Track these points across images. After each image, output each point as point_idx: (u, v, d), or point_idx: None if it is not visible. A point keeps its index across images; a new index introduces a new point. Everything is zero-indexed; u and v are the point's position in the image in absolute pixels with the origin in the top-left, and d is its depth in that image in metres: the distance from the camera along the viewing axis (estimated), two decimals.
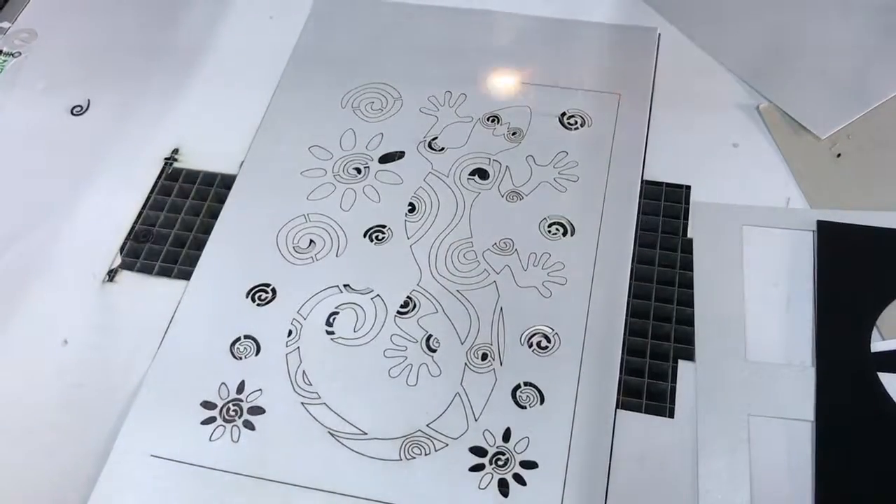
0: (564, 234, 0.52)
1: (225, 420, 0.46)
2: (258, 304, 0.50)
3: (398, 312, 0.49)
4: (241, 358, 0.48)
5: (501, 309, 0.49)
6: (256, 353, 0.48)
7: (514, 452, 0.45)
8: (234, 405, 0.46)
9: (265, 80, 0.60)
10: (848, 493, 0.43)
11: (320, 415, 0.46)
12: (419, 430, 0.46)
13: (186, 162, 0.57)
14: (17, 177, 0.57)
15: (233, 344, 0.49)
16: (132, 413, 0.46)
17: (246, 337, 0.49)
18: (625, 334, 0.48)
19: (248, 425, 0.46)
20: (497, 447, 0.45)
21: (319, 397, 0.47)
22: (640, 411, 0.46)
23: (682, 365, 0.47)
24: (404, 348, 0.48)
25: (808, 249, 0.51)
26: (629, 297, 0.50)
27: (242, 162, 0.56)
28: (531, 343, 0.48)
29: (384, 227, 0.53)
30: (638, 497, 0.44)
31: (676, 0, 0.62)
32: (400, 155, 0.55)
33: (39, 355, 0.49)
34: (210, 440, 0.45)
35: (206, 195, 0.55)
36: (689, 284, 0.50)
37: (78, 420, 0.47)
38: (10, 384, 0.48)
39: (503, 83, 0.59)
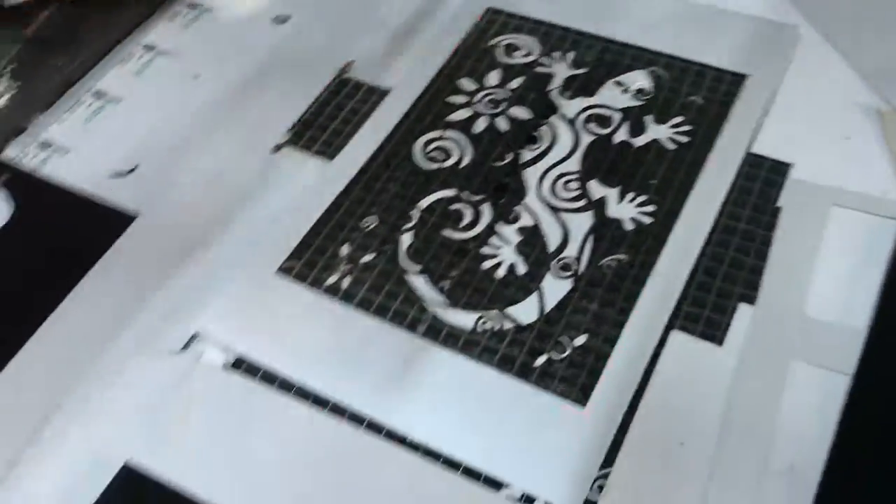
0: (662, 183, 0.58)
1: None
2: None
3: (503, 220, 0.57)
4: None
5: (591, 233, 0.56)
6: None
7: (571, 344, 0.51)
8: None
9: None
10: (868, 445, 0.46)
11: (418, 284, 0.55)
12: (495, 310, 0.53)
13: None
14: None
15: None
16: None
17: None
18: (696, 270, 0.53)
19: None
20: (557, 338, 0.51)
21: (421, 272, 0.55)
22: (693, 334, 0.51)
23: (743, 307, 0.52)
24: (500, 247, 0.56)
25: (891, 237, 0.54)
26: (709, 240, 0.55)
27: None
28: (610, 265, 0.54)
29: (506, 152, 0.60)
30: (668, 406, 0.49)
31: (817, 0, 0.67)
32: (537, 98, 0.63)
33: None
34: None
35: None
36: (767, 244, 0.55)
37: None
38: None
39: (639, 51, 0.65)
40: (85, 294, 0.55)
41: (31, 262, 0.58)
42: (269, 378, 0.51)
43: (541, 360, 0.51)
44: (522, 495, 0.46)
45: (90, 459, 0.48)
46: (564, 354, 0.51)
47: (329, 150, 0.62)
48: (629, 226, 0.56)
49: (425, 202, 0.58)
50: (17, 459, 0.48)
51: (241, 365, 0.52)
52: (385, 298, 0.54)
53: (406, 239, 0.57)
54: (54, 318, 0.54)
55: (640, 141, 0.60)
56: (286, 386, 0.51)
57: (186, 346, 0.53)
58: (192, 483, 0.47)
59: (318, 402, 0.50)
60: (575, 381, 0.50)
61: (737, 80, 0.63)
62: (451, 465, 0.47)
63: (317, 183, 0.60)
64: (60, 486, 0.48)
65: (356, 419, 0.49)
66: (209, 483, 0.47)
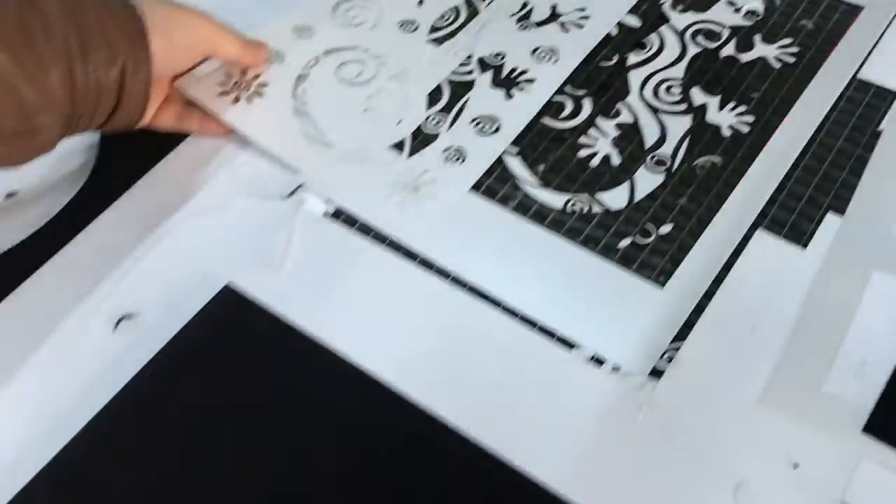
0: (763, 97, 0.59)
1: None
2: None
3: (603, 114, 0.59)
4: None
5: (688, 134, 0.57)
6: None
7: (657, 232, 0.53)
8: None
9: None
10: None
11: (513, 165, 0.57)
12: (586, 194, 0.55)
13: None
14: None
15: None
16: None
17: None
18: (788, 179, 0.54)
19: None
20: (643, 225, 0.53)
21: (518, 154, 0.57)
22: (778, 236, 0.52)
23: (831, 217, 0.53)
24: (597, 139, 0.58)
25: None
26: (804, 153, 0.56)
27: None
28: (703, 166, 0.56)
29: (613, 54, 0.62)
30: (744, 296, 0.50)
31: None
32: (648, 9, 0.65)
33: None
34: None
35: None
36: (863, 163, 0.55)
37: None
38: None
39: None
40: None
41: None
42: (365, 230, 0.54)
43: (625, 243, 0.53)
44: (593, 356, 0.48)
45: (195, 276, 0.52)
46: (648, 240, 0.53)
47: None
48: (726, 132, 0.57)
49: None
50: (130, 268, 0.53)
51: (339, 215, 0.55)
52: (482, 175, 0.57)
53: None
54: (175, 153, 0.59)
55: (746, 57, 0.61)
56: (380, 238, 0.54)
57: (292, 193, 0.56)
58: (286, 310, 0.51)
59: (409, 255, 0.53)
60: (656, 265, 0.52)
61: (850, 10, 0.63)
62: (530, 323, 0.50)
63: None
64: (167, 297, 0.52)
65: (442, 273, 0.52)
66: (303, 312, 0.51)
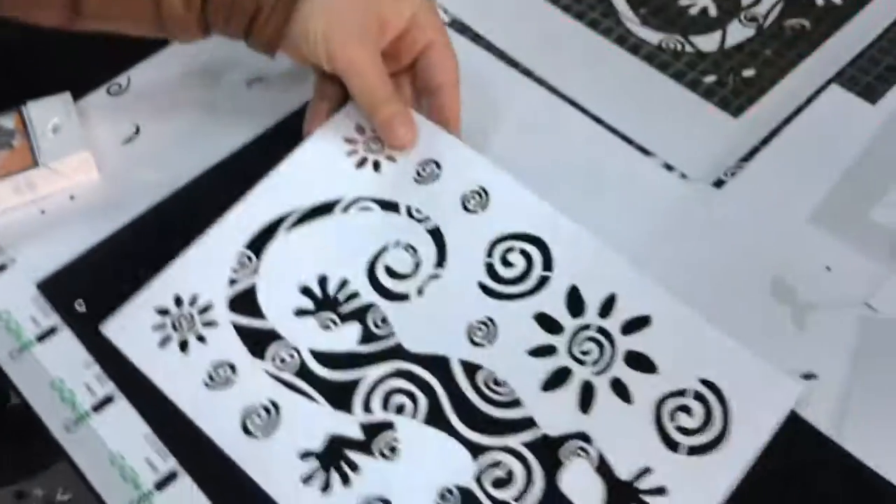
0: None
1: None
2: None
3: None
4: None
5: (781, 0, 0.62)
6: None
7: (740, 75, 0.58)
8: None
9: None
10: None
11: (618, 4, 0.62)
12: (679, 35, 0.60)
13: None
14: None
15: None
16: None
17: None
18: (870, 48, 0.59)
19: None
20: (728, 67, 0.58)
21: None
22: (851, 92, 0.57)
23: None
24: None
25: None
26: (889, 29, 0.60)
27: None
28: (792, 27, 0.61)
29: None
30: (810, 136, 0.55)
31: None
32: None
33: None
34: None
35: None
36: None
37: None
38: None
39: None
40: None
41: None
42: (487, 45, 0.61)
43: (709, 80, 0.58)
44: (664, 164, 0.54)
45: None
46: (731, 81, 0.58)
47: None
48: (820, 2, 0.62)
49: None
50: None
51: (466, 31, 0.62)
52: (587, 8, 0.62)
53: None
54: None
55: None
56: (498, 53, 0.60)
57: None
58: None
59: (512, 63, 0.59)
60: (733, 101, 0.57)
61: None
62: (615, 132, 0.56)
63: None
64: None
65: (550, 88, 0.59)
66: None
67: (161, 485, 0.44)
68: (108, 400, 0.46)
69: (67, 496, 1.16)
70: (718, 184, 0.53)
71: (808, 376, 0.46)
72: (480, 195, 0.50)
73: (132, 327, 0.47)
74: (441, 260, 0.49)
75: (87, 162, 0.53)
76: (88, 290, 0.49)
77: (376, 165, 0.52)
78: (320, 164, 0.52)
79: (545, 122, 0.57)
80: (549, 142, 0.56)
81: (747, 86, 0.58)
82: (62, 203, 0.53)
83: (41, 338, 0.48)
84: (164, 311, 0.48)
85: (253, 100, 0.58)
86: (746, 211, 0.52)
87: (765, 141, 0.55)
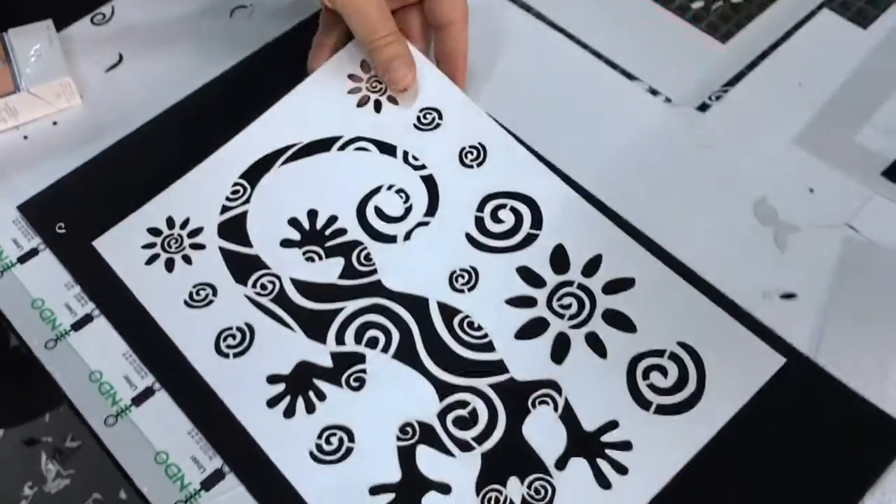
0: None
1: None
2: None
3: None
4: None
5: None
6: None
7: (728, 1, 0.57)
8: None
9: None
10: None
11: None
12: None
13: None
14: None
15: None
16: None
17: None
18: None
19: None
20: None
21: None
22: (842, 17, 0.56)
23: None
24: None
25: None
26: None
27: None
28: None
29: None
30: (797, 58, 0.54)
31: None
32: None
33: None
34: None
35: None
36: None
37: None
38: None
39: None
40: None
41: None
42: None
43: (697, 5, 0.57)
44: (649, 88, 0.54)
45: None
46: (719, 5, 0.57)
47: None
48: None
49: None
50: None
51: None
52: None
53: None
54: None
55: None
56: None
57: None
58: None
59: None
60: (722, 26, 0.56)
61: None
62: (601, 57, 0.55)
63: None
64: None
65: (537, 15, 0.58)
66: None
67: (139, 400, 0.44)
68: (87, 319, 0.46)
69: (77, 443, 1.18)
70: (703, 108, 0.53)
71: (787, 296, 0.45)
72: (478, 151, 0.50)
73: (123, 244, 0.48)
74: (432, 208, 0.49)
75: (69, 87, 0.53)
76: (69, 212, 0.50)
77: (377, 105, 0.51)
78: (322, 100, 0.51)
79: (531, 47, 0.56)
80: (535, 67, 0.55)
81: (736, 11, 0.57)
82: (45, 128, 0.53)
83: (23, 259, 0.48)
84: (155, 231, 0.48)
85: (235, 27, 0.58)
86: (730, 134, 0.52)
87: (752, 66, 0.54)
